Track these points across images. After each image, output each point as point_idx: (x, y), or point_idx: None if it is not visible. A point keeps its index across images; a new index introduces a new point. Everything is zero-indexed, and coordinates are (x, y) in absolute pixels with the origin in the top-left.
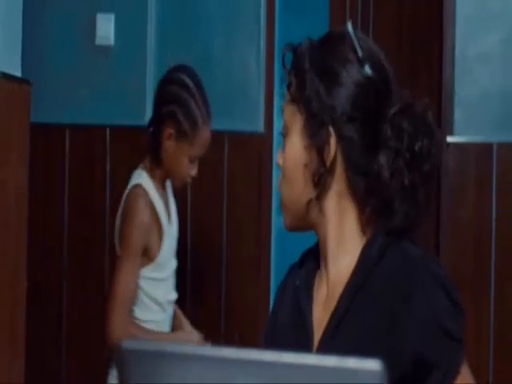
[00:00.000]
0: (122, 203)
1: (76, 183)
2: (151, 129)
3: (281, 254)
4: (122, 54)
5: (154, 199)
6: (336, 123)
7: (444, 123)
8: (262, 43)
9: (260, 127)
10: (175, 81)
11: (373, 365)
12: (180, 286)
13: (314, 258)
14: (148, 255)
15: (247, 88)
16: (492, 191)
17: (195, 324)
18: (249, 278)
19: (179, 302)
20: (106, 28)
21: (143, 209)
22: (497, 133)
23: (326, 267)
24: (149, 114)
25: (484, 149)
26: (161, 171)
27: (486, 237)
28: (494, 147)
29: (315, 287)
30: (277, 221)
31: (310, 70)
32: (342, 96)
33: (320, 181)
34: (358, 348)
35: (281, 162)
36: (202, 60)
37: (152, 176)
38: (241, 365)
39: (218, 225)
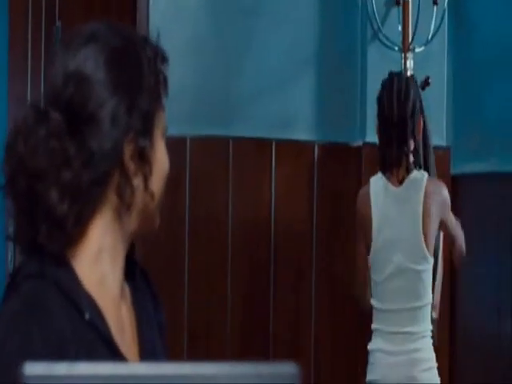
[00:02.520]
0: None
1: None
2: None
3: None
4: None
5: None
6: None
7: None
8: None
9: None
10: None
11: (288, 368)
12: None
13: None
14: None
15: None
16: (186, 184)
17: None
18: None
19: None
20: None
21: None
22: (190, 127)
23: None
24: None
25: (178, 142)
26: None
27: (181, 232)
28: (188, 141)
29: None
30: None
31: None
32: None
33: None
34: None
35: None
36: None
37: None
38: (156, 381)
39: None
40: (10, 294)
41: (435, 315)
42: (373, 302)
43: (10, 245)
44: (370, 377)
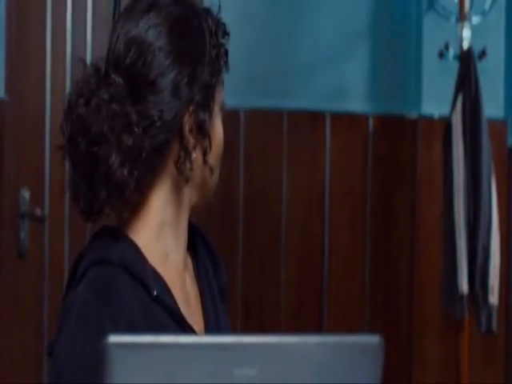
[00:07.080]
0: None
1: None
2: None
3: None
4: None
5: None
6: None
7: None
8: None
9: None
10: None
11: (373, 339)
12: None
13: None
14: None
15: None
16: (240, 156)
17: None
18: None
19: None
20: None
21: None
22: (243, 99)
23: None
24: None
25: (232, 115)
26: None
27: (236, 205)
28: (241, 113)
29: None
30: None
31: None
32: None
33: None
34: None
35: None
36: None
37: None
38: (240, 350)
39: None
40: (76, 281)
41: (493, 300)
42: None
43: None
44: None
